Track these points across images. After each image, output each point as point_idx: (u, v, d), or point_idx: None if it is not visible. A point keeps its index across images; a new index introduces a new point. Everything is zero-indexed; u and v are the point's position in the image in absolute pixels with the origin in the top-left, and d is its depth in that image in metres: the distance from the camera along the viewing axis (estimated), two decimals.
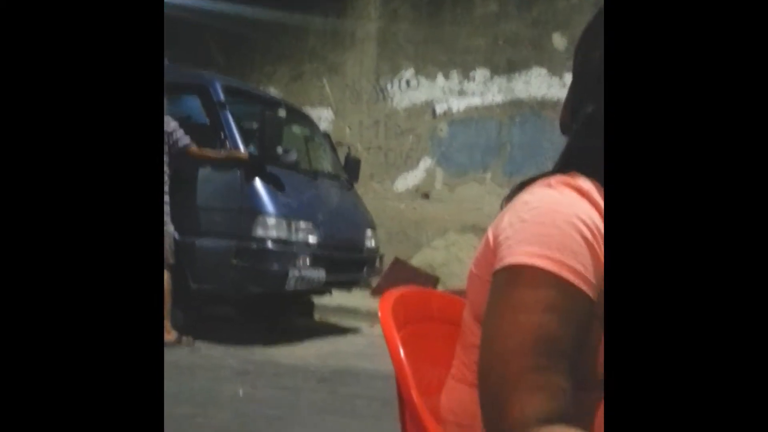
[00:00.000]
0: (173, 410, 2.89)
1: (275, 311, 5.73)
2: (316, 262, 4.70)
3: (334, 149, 6.13)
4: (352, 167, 6.06)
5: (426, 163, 7.73)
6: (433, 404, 0.96)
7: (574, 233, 0.74)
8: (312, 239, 4.75)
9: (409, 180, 7.83)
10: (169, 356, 3.92)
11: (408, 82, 7.87)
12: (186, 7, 8.75)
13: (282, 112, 4.62)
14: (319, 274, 4.70)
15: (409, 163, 7.83)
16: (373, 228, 5.67)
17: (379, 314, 1.03)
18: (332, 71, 8.37)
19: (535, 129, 7.00)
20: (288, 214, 4.62)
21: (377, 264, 5.62)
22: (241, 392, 3.29)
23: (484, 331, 0.77)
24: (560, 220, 0.75)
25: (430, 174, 7.71)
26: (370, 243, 5.53)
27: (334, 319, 5.94)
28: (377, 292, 6.43)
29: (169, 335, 4.20)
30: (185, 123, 4.65)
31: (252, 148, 4.66)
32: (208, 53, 9.00)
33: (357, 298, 6.55)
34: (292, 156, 4.83)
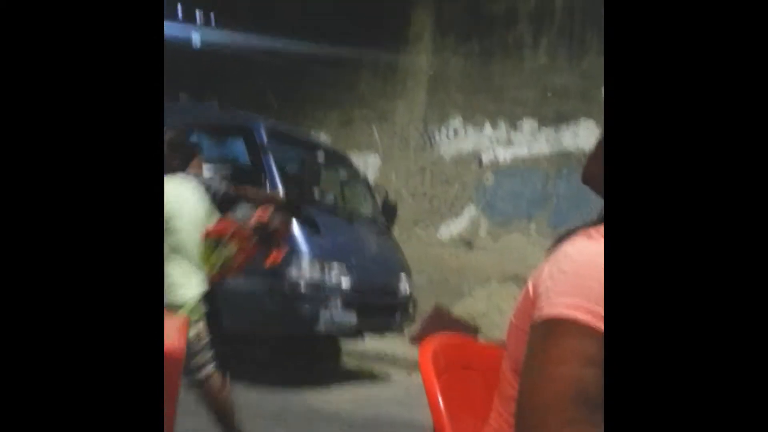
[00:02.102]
0: None
1: (307, 354, 5.71)
2: (347, 306, 4.70)
3: (372, 193, 6.17)
4: (389, 211, 6.08)
5: (470, 211, 7.71)
6: None
7: None
8: (345, 282, 4.76)
9: (452, 228, 7.80)
10: None
11: (455, 131, 7.92)
12: (245, 47, 8.99)
13: (320, 156, 4.68)
14: (350, 318, 4.70)
15: (453, 210, 7.82)
16: (408, 273, 5.64)
17: (419, 360, 1.02)
18: (381, 118, 8.48)
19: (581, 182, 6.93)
20: (322, 256, 4.65)
21: (410, 310, 5.57)
22: None
23: (522, 383, 0.76)
24: (600, 272, 0.75)
25: (474, 222, 7.68)
26: (404, 288, 5.49)
27: (371, 366, 5.88)
28: (416, 339, 6.36)
29: None
30: (231, 164, 4.76)
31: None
32: (263, 98, 9.24)
33: (396, 345, 6.49)
34: (329, 199, 4.87)
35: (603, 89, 0.95)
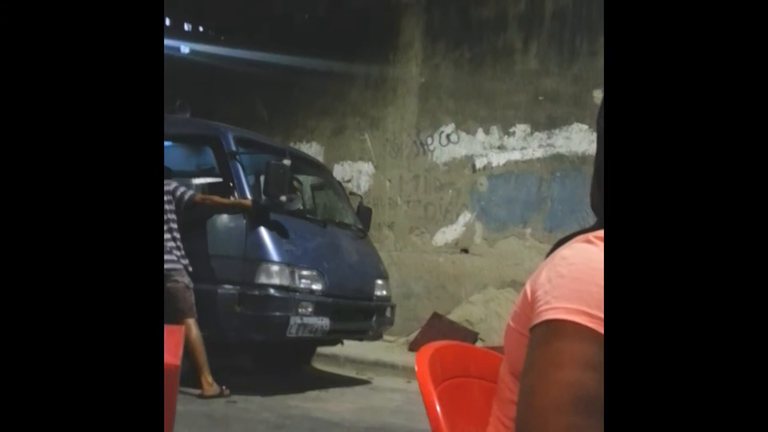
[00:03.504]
0: None
1: (288, 360, 5.73)
2: (319, 310, 4.72)
3: (347, 199, 6.21)
4: (364, 216, 6.12)
5: (465, 217, 7.71)
6: None
7: None
8: (316, 287, 4.79)
9: (448, 234, 7.81)
10: (203, 407, 3.92)
11: (448, 137, 7.93)
12: (232, 59, 9.04)
13: (286, 161, 4.71)
14: (323, 322, 4.71)
15: (448, 217, 7.82)
16: (385, 278, 5.67)
17: (416, 369, 1.01)
18: (373, 126, 8.50)
19: (575, 184, 6.95)
20: (291, 261, 4.69)
21: (388, 314, 5.57)
22: None
23: (521, 387, 0.76)
24: (598, 276, 0.75)
25: (469, 228, 7.68)
26: (381, 292, 5.50)
27: (370, 374, 5.87)
28: (415, 346, 6.36)
29: (212, 388, 4.20)
30: (202, 173, 4.79)
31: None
32: (254, 108, 9.25)
33: (395, 353, 6.48)
34: (296, 204, 4.90)
35: (602, 91, 0.95)
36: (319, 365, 6.09)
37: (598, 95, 6.97)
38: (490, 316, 6.94)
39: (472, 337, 6.55)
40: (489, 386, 1.04)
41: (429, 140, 8.05)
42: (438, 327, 6.54)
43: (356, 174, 8.56)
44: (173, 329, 2.31)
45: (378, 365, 6.03)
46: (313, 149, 8.78)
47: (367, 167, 8.49)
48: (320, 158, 8.43)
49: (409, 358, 5.91)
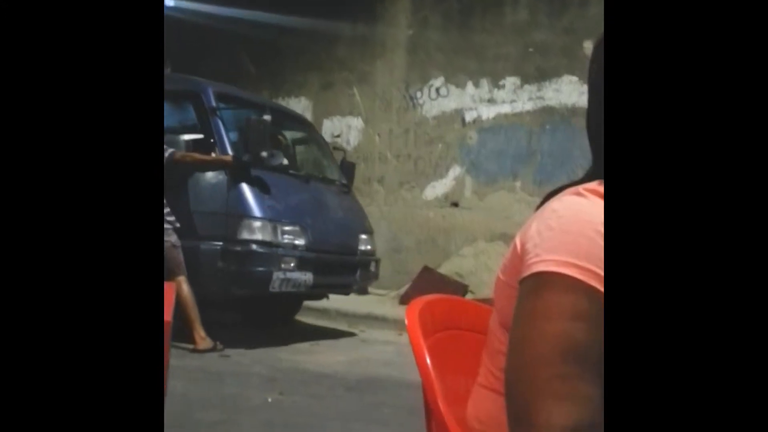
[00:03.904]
0: (203, 416, 2.92)
1: (274, 315, 5.79)
2: (302, 265, 4.75)
3: (331, 154, 6.20)
4: (347, 171, 6.13)
5: (455, 171, 7.71)
6: (460, 413, 0.95)
7: (602, 241, 0.74)
8: (299, 242, 4.81)
9: (438, 188, 7.81)
10: (196, 362, 3.96)
11: (438, 91, 7.87)
12: (217, 16, 8.89)
13: (267, 116, 4.68)
14: (306, 277, 4.76)
15: (438, 171, 7.82)
16: (369, 232, 5.70)
17: (406, 322, 1.02)
18: (362, 80, 8.41)
19: (565, 137, 6.94)
20: (273, 217, 4.72)
21: (372, 268, 5.61)
22: (269, 399, 3.31)
23: (510, 338, 0.77)
24: (587, 228, 0.75)
25: (459, 182, 7.68)
26: (365, 247, 5.54)
27: (361, 327, 5.94)
28: (405, 300, 6.42)
29: (205, 342, 4.24)
30: (185, 130, 4.78)
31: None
32: (240, 63, 9.11)
33: (386, 306, 6.55)
34: (278, 159, 4.90)
35: (593, 42, 0.94)
36: (310, 319, 6.15)
37: (589, 47, 6.91)
38: (480, 269, 7.00)
39: (462, 289, 6.61)
40: (479, 338, 1.05)
41: (418, 94, 7.99)
42: (428, 280, 6.60)
43: (345, 129, 8.50)
44: (164, 286, 2.32)
45: (369, 318, 6.10)
46: (301, 104, 8.70)
47: (357, 122, 8.43)
48: (309, 113, 8.36)
49: (399, 312, 5.97)
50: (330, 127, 8.50)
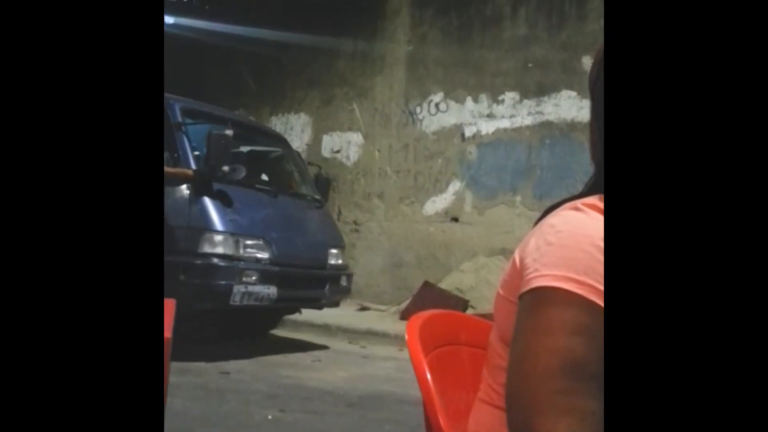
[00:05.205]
0: None
1: (244, 328, 5.77)
2: (266, 279, 4.76)
3: (305, 169, 6.26)
4: (322, 186, 6.20)
5: (455, 186, 7.71)
6: (461, 429, 0.95)
7: (600, 255, 0.74)
8: (261, 255, 4.83)
9: (438, 203, 7.81)
10: (197, 379, 3.94)
11: (437, 106, 7.89)
12: (219, 33, 8.93)
13: (228, 131, 4.72)
14: (269, 291, 4.77)
15: (438, 186, 7.82)
16: (341, 246, 5.73)
17: (407, 337, 1.02)
18: (362, 96, 8.44)
19: (564, 151, 6.95)
20: (235, 230, 4.75)
21: (343, 282, 5.62)
22: (270, 416, 3.29)
23: (511, 353, 0.77)
24: (586, 243, 0.75)
25: (459, 197, 7.69)
26: (336, 261, 5.56)
27: (362, 343, 5.92)
28: (406, 315, 6.40)
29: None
30: None
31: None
32: (241, 79, 9.16)
33: (387, 322, 6.53)
34: (239, 174, 4.93)
35: (591, 58, 0.94)
36: (310, 335, 6.13)
37: (587, 62, 6.94)
38: (481, 284, 6.98)
39: (462, 304, 6.60)
40: (479, 353, 1.05)
41: (418, 109, 8.01)
42: (429, 295, 6.58)
43: (345, 144, 8.53)
44: (165, 302, 2.32)
45: (370, 334, 6.08)
46: (301, 120, 8.73)
47: (356, 137, 8.45)
48: (309, 129, 8.39)
49: (400, 327, 5.95)
50: (330, 143, 8.53)
